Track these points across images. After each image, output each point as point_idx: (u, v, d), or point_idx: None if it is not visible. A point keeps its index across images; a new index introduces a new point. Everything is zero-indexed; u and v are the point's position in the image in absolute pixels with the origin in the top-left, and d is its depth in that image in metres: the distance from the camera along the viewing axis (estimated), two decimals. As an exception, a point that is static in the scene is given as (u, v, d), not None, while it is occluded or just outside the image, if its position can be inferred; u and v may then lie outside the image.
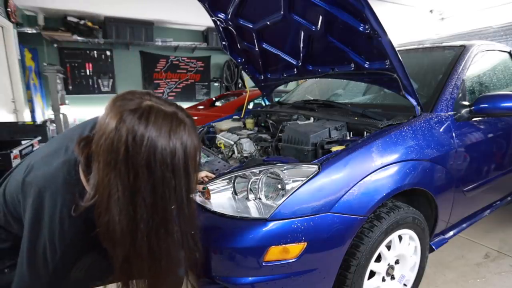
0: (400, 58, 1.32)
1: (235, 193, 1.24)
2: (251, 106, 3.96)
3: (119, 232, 0.73)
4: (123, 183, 0.71)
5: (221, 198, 1.24)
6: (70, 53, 5.87)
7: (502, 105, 1.56)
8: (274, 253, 1.05)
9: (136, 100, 0.75)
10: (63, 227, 0.77)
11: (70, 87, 5.95)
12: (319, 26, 1.51)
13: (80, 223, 0.79)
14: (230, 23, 1.91)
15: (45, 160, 0.83)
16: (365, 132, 1.48)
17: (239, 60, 2.26)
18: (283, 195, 1.10)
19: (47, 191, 0.77)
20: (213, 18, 1.96)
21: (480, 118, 1.69)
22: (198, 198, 1.29)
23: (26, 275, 0.79)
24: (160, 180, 0.73)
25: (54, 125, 4.77)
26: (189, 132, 0.77)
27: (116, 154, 0.70)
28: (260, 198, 1.16)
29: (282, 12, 1.57)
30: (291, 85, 4.18)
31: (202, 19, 5.66)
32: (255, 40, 1.92)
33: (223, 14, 1.88)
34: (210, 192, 1.24)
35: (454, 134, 1.52)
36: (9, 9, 4.31)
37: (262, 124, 2.18)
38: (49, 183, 0.78)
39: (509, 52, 2.20)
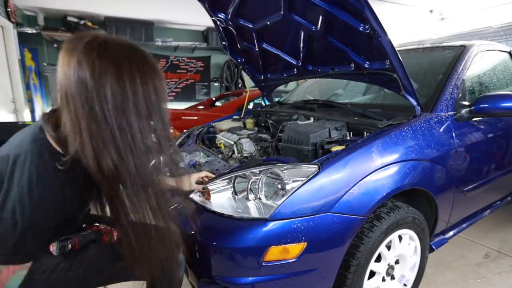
0: (400, 58, 1.32)
1: (235, 193, 1.24)
2: (251, 106, 3.96)
3: (106, 164, 0.75)
4: (91, 112, 0.72)
5: (221, 198, 1.24)
6: (70, 53, 5.86)
7: (502, 105, 1.56)
8: (274, 253, 1.05)
9: (87, 37, 0.75)
10: (31, 184, 0.75)
11: (70, 87, 5.94)
12: (319, 26, 1.51)
13: (50, 181, 0.78)
14: (230, 23, 1.91)
15: (14, 141, 0.84)
16: (365, 132, 1.48)
17: (239, 60, 2.26)
18: (283, 195, 1.10)
19: (19, 155, 0.76)
20: (213, 18, 1.96)
21: (480, 118, 1.69)
22: (198, 198, 1.29)
23: None
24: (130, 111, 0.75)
25: (54, 125, 4.75)
26: (150, 67, 0.80)
27: (79, 89, 0.71)
28: (260, 198, 1.16)
29: (282, 12, 1.57)
30: (291, 85, 4.18)
31: (202, 19, 5.66)
32: (255, 40, 1.92)
33: (223, 14, 1.88)
34: (210, 192, 1.24)
35: (454, 134, 1.52)
36: (9, 9, 4.31)
37: (262, 124, 2.18)
38: (18, 149, 0.78)
39: (509, 52, 2.20)
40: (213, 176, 1.35)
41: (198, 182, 1.32)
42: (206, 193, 1.28)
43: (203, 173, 1.35)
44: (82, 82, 0.71)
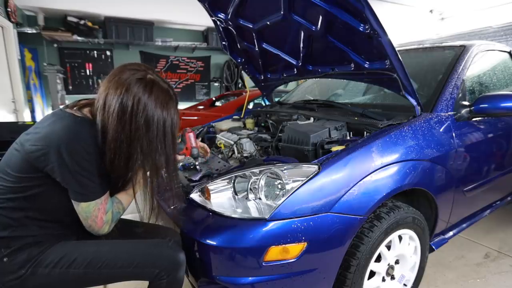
0: (400, 58, 1.32)
1: (235, 193, 1.24)
2: (251, 106, 3.96)
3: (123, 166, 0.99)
4: (126, 133, 0.94)
5: (221, 198, 1.23)
6: (70, 53, 5.87)
7: (502, 105, 1.55)
8: (274, 253, 1.05)
9: (141, 72, 0.97)
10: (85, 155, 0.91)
11: (70, 87, 5.95)
12: (319, 26, 1.51)
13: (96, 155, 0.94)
14: (230, 23, 1.91)
15: (45, 127, 0.93)
16: (365, 132, 1.48)
17: (239, 60, 2.26)
18: (283, 195, 1.10)
19: (61, 145, 0.87)
20: (213, 18, 1.96)
21: (480, 118, 1.68)
22: (198, 198, 1.29)
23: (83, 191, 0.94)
24: (154, 135, 0.98)
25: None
26: (175, 106, 1.03)
27: (122, 112, 0.92)
28: (260, 198, 1.15)
29: (282, 12, 1.57)
30: (291, 85, 4.18)
31: (202, 19, 5.67)
32: (255, 40, 1.92)
33: (223, 14, 1.88)
34: (210, 192, 1.24)
35: (454, 134, 1.52)
36: (9, 9, 4.31)
37: (262, 124, 2.18)
38: (62, 138, 0.89)
39: (509, 52, 2.20)
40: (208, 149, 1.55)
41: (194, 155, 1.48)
42: (206, 193, 1.28)
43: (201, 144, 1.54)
44: (124, 107, 0.93)
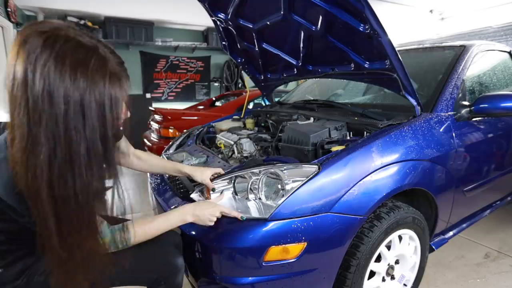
0: (400, 58, 1.32)
1: (235, 193, 1.24)
2: (251, 106, 3.96)
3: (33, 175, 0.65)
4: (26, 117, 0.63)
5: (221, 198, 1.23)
6: (70, 53, 5.86)
7: (502, 105, 1.56)
8: (274, 253, 1.05)
9: (48, 25, 0.66)
10: None
11: (70, 87, 5.94)
12: (319, 26, 1.51)
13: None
14: (230, 23, 1.91)
15: None
16: (365, 132, 1.48)
17: (239, 60, 2.26)
18: (283, 195, 1.10)
19: None
20: (213, 18, 1.96)
21: (480, 118, 1.68)
22: (198, 198, 1.29)
23: None
24: (63, 116, 0.65)
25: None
26: (105, 74, 0.68)
27: (17, 87, 0.63)
28: (260, 198, 1.15)
29: (282, 12, 1.57)
30: (291, 85, 4.18)
31: (202, 19, 5.66)
32: (255, 40, 1.92)
33: (223, 14, 1.88)
34: (210, 192, 1.24)
35: (454, 134, 1.52)
36: (9, 9, 4.31)
37: (262, 124, 2.18)
38: None
39: (509, 52, 2.20)
40: (222, 172, 1.32)
41: (211, 179, 1.28)
42: (206, 193, 1.28)
43: (218, 169, 1.32)
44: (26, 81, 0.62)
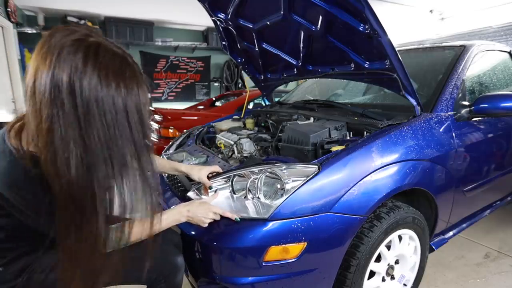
0: (400, 58, 1.32)
1: (233, 192, 1.23)
2: (251, 106, 3.96)
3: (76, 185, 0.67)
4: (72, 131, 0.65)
5: (218, 197, 1.23)
6: (70, 53, 5.87)
7: (502, 105, 1.55)
8: (274, 253, 1.05)
9: (79, 33, 0.67)
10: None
11: (70, 87, 5.94)
12: (319, 26, 1.51)
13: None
14: (230, 23, 1.91)
15: None
16: (365, 132, 1.48)
17: (239, 60, 2.26)
18: (282, 195, 1.10)
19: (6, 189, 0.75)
20: (213, 18, 1.96)
21: (480, 118, 1.68)
22: (194, 196, 1.29)
23: None
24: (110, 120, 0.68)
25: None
26: (137, 80, 0.72)
27: (57, 104, 0.63)
28: (258, 198, 1.15)
29: (282, 12, 1.57)
30: (291, 85, 4.18)
31: (202, 19, 5.67)
32: (255, 40, 1.92)
33: (223, 14, 1.88)
34: (208, 190, 1.24)
35: (454, 134, 1.52)
36: (9, 9, 4.31)
37: (262, 124, 2.18)
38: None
39: (509, 52, 2.20)
40: (220, 170, 1.31)
41: (209, 177, 1.27)
42: (204, 191, 1.27)
43: (215, 167, 1.31)
44: (56, 85, 0.63)
